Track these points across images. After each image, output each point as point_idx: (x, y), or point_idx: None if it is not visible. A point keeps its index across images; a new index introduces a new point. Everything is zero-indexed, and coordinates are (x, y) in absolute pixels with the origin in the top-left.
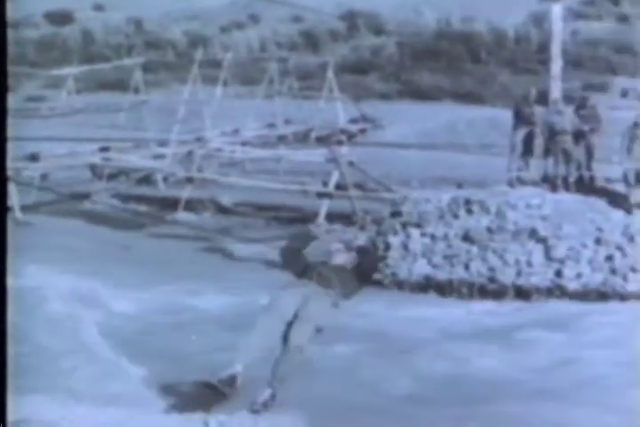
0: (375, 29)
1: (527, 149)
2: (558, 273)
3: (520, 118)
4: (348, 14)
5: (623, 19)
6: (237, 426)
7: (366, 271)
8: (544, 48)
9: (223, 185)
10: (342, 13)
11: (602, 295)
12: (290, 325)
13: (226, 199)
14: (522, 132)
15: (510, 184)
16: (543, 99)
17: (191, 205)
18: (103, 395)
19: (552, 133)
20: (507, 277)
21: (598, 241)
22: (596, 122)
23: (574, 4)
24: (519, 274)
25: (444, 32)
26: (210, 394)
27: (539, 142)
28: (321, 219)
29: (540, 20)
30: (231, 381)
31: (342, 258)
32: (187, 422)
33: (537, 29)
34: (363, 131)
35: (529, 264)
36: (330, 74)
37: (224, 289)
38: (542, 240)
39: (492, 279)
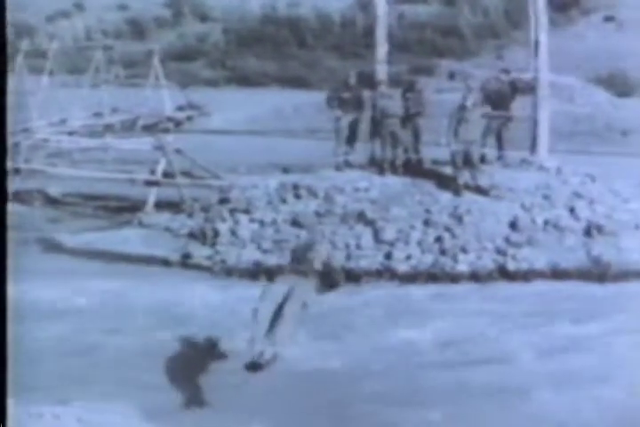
0: (201, 16)
1: (353, 133)
2: (388, 255)
3: (343, 103)
4: (173, 1)
5: (449, 2)
6: None
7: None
8: (370, 32)
9: (51, 176)
10: (168, 0)
11: (432, 277)
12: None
13: (54, 190)
14: (347, 117)
15: (337, 168)
16: (369, 82)
17: (19, 197)
18: None
19: (381, 117)
20: (336, 260)
21: (427, 223)
22: (423, 105)
23: None
24: (348, 257)
25: (270, 17)
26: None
27: (365, 126)
28: (149, 207)
29: (365, 4)
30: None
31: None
32: None
33: (363, 13)
34: (189, 118)
35: (358, 247)
36: (156, 61)
37: None
38: (371, 223)
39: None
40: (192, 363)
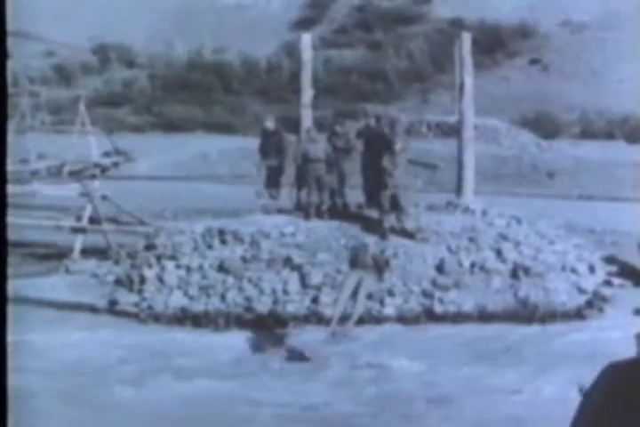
0: (127, 62)
1: (277, 178)
2: (315, 300)
3: (266, 148)
4: (99, 47)
5: (375, 46)
6: None
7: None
8: (296, 77)
9: None
10: (94, 47)
11: (359, 320)
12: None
13: None
14: (270, 161)
15: (263, 213)
16: (293, 127)
17: None
18: None
19: (305, 161)
20: (263, 305)
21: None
22: (348, 149)
23: (326, 32)
24: (275, 302)
25: (196, 63)
26: None
27: (290, 171)
28: (76, 254)
29: (291, 49)
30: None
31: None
32: None
33: (289, 58)
34: (115, 164)
35: (285, 292)
36: (82, 107)
37: None
38: (297, 268)
39: (248, 309)
40: None
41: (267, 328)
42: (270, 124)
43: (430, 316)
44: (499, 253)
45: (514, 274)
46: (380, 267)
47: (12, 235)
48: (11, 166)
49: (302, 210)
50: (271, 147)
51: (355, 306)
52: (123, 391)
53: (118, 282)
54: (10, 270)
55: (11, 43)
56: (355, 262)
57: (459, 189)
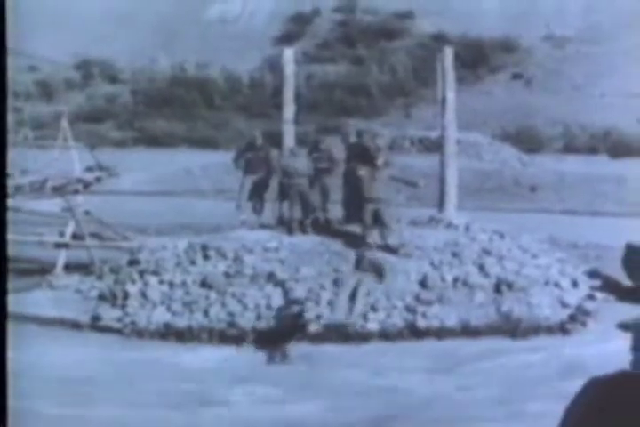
0: (110, 78)
1: (260, 193)
2: (298, 315)
3: (250, 162)
4: (82, 63)
5: (358, 61)
6: None
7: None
8: (278, 92)
9: None
10: (77, 62)
11: (343, 336)
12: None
13: None
14: (253, 176)
15: (246, 228)
16: (276, 142)
17: None
18: None
19: (287, 177)
20: (246, 321)
21: (336, 282)
22: (331, 164)
23: (309, 47)
24: (259, 318)
25: (179, 78)
26: None
27: (273, 186)
28: (59, 269)
29: (274, 64)
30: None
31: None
32: None
33: (271, 74)
34: (98, 179)
35: (268, 308)
36: (64, 123)
37: None
38: (281, 283)
39: (231, 324)
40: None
41: (249, 344)
42: (257, 138)
43: (413, 331)
44: (482, 267)
45: (497, 289)
46: (378, 270)
47: None
48: None
49: (285, 225)
50: (257, 162)
51: (354, 304)
52: (109, 407)
53: (101, 297)
54: None
55: None
56: (358, 265)
57: (441, 204)
